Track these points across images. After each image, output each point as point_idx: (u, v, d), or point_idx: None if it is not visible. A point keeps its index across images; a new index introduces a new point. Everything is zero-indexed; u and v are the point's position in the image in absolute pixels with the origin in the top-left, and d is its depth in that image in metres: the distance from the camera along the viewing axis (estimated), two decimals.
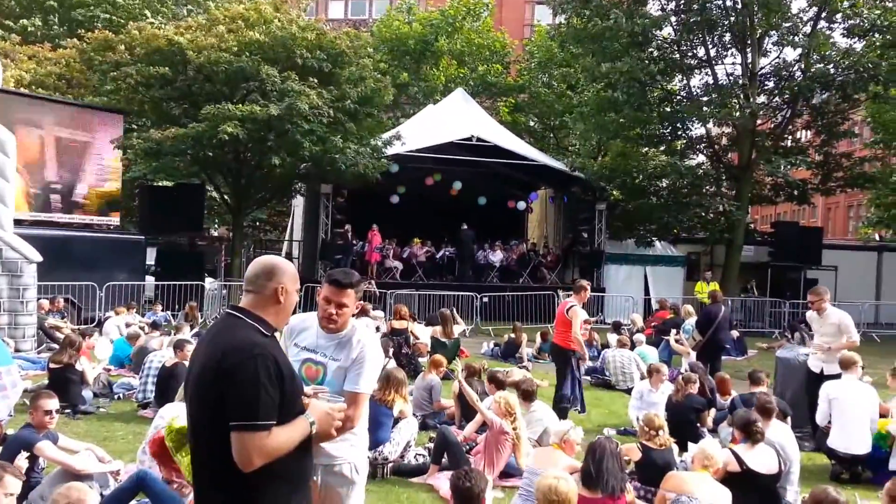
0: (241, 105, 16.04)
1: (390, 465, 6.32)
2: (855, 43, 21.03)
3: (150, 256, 18.86)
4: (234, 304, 2.96)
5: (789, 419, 7.46)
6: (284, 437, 2.49)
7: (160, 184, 19.85)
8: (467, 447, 6.90)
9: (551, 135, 29.90)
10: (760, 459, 5.44)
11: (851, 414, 6.91)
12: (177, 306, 15.76)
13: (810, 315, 8.40)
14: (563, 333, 8.69)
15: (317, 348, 3.32)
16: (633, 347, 12.03)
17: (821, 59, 20.45)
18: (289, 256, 24.36)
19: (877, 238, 30.67)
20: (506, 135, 21.67)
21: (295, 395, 2.61)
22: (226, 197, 20.39)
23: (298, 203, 23.68)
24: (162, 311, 15.16)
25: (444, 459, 6.16)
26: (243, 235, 22.50)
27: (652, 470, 5.61)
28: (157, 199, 18.70)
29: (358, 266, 20.37)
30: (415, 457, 6.58)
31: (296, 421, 2.56)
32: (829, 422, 7.16)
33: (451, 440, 6.20)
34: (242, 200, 19.49)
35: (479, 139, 19.34)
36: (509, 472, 6.24)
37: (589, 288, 9.13)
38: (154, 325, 11.97)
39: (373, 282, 17.87)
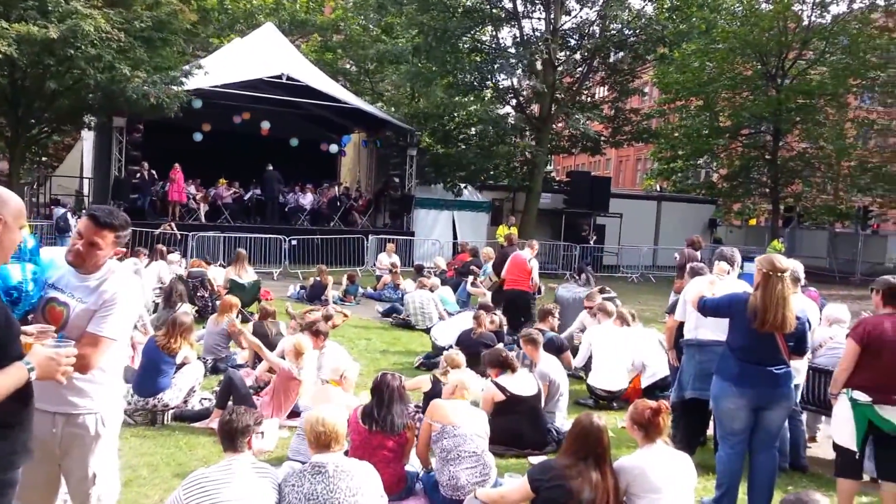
0: (16, 24, 14.29)
1: (171, 411, 6.17)
2: (646, 6, 22.69)
3: None
4: None
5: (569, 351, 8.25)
6: None
7: None
8: (259, 386, 6.90)
9: (367, 79, 29.63)
10: (521, 384, 5.93)
11: (608, 357, 7.61)
12: None
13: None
14: (523, 280, 10.40)
15: (65, 287, 3.10)
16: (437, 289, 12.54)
17: (615, 19, 21.85)
18: (79, 194, 22.49)
19: (657, 189, 33.75)
20: (319, 75, 21.15)
21: (8, 340, 2.45)
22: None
23: (88, 137, 21.74)
24: None
25: (230, 403, 6.10)
26: (25, 170, 20.33)
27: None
28: None
29: (158, 207, 19.29)
30: (200, 402, 6.46)
31: (9, 367, 2.40)
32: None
33: (237, 383, 6.15)
34: (23, 131, 17.53)
35: (290, 78, 18.72)
36: (299, 412, 6.32)
37: (536, 245, 11.41)
38: None
39: (173, 224, 16.98)
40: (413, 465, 5.15)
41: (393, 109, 23.25)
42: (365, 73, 29.20)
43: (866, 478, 4.93)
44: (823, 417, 6.28)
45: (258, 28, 23.10)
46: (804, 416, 6.17)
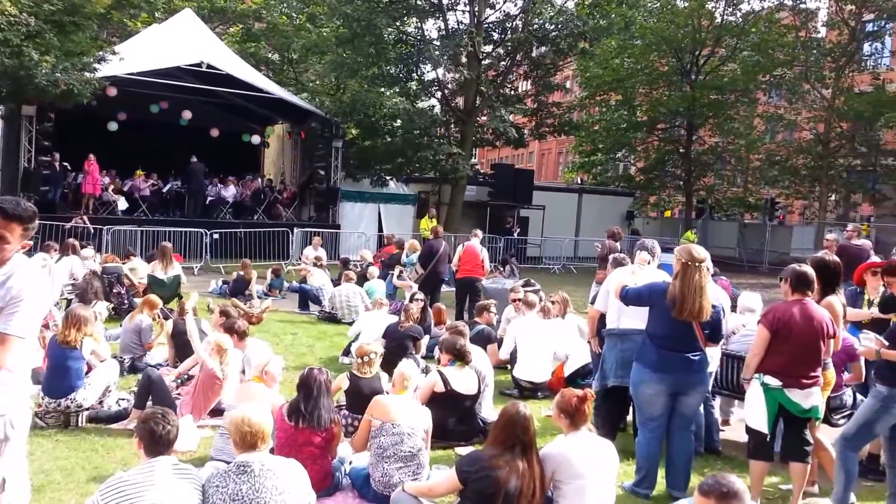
0: None
1: (86, 412, 5.93)
2: (568, 2, 23.11)
3: None
4: None
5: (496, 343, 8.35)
6: None
7: None
8: (181, 380, 6.72)
9: (290, 69, 29.10)
10: (464, 382, 5.96)
11: (532, 348, 7.73)
12: None
13: None
14: (477, 268, 11.43)
15: None
16: (364, 282, 12.47)
17: (538, 15, 22.18)
18: None
19: (578, 181, 34.50)
20: (240, 64, 20.63)
21: None
22: None
23: None
24: None
25: (149, 403, 5.91)
26: None
27: (360, 398, 5.79)
28: None
29: (71, 199, 18.47)
30: (117, 402, 6.24)
31: None
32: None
33: (156, 382, 5.96)
34: None
35: (210, 66, 18.18)
36: (222, 410, 6.18)
37: (480, 233, 12.50)
38: None
39: (85, 217, 16.30)
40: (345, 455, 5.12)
41: (317, 100, 22.88)
42: (288, 63, 28.66)
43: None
44: (736, 402, 6.56)
45: (176, 14, 22.33)
46: (717, 401, 6.44)
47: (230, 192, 20.69)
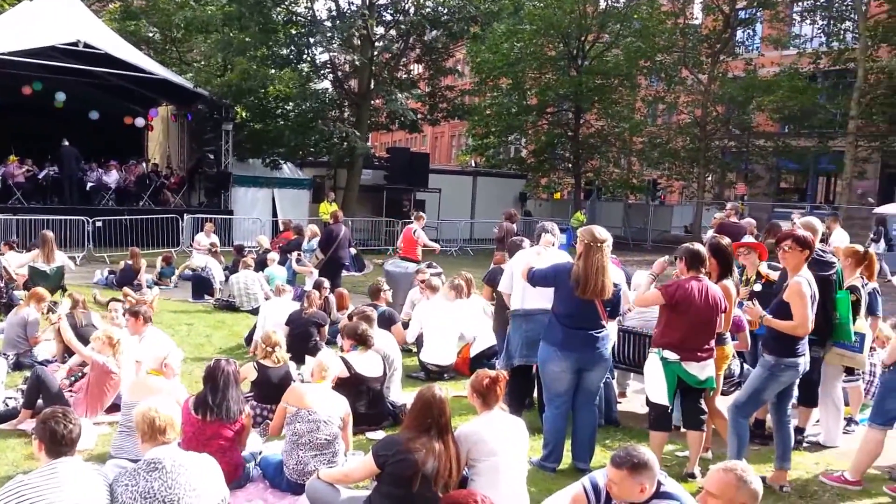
0: None
1: None
2: None
3: None
4: None
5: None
6: None
7: None
8: (73, 378, 6.39)
9: (173, 48, 27.80)
10: (369, 365, 5.97)
11: (438, 331, 7.81)
12: None
13: None
14: (409, 251, 12.01)
15: None
16: (262, 268, 12.19)
17: None
18: None
19: (472, 164, 34.97)
20: (120, 43, 19.51)
21: None
22: None
23: None
24: None
25: (39, 402, 5.58)
26: None
27: (268, 387, 5.73)
28: None
29: None
30: (3, 401, 5.86)
31: None
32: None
33: (47, 381, 5.64)
34: None
35: (87, 45, 17.09)
36: (118, 405, 5.92)
37: (424, 216, 12.86)
38: None
39: None
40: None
41: (204, 81, 21.98)
42: (171, 43, 27.36)
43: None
44: (632, 375, 6.90)
45: None
46: (615, 375, 6.75)
47: (112, 177, 19.60)
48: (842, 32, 26.12)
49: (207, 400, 4.66)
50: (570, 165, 28.60)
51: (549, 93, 26.42)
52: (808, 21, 27.80)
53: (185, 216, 18.31)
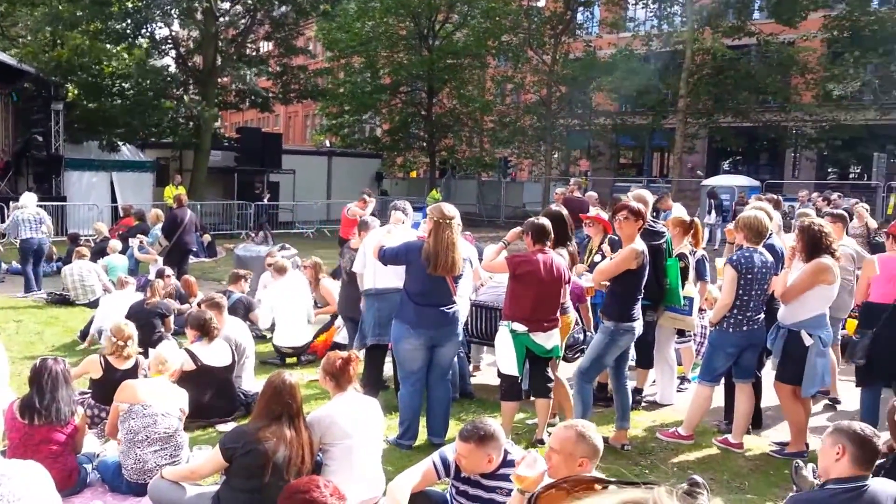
0: None
1: None
2: None
3: None
4: None
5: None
6: None
7: None
8: None
9: None
10: (215, 355, 5.74)
11: (290, 313, 7.62)
12: None
13: None
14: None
15: None
16: (100, 257, 11.37)
17: None
18: None
19: (327, 144, 34.48)
20: None
21: None
22: None
23: None
24: None
25: None
26: None
27: (111, 386, 5.26)
28: None
29: None
30: None
31: None
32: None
33: None
34: None
35: None
36: None
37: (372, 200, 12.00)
38: None
39: None
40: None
41: (31, 58, 20.12)
42: None
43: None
44: (486, 348, 7.07)
45: None
46: (470, 349, 6.89)
47: None
48: (672, 16, 27.86)
49: (34, 403, 4.33)
50: (424, 144, 28.86)
51: (401, 72, 26.44)
52: (641, 5, 29.45)
53: (12, 204, 16.75)
